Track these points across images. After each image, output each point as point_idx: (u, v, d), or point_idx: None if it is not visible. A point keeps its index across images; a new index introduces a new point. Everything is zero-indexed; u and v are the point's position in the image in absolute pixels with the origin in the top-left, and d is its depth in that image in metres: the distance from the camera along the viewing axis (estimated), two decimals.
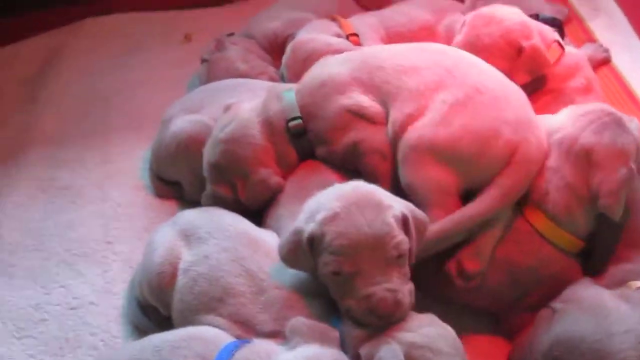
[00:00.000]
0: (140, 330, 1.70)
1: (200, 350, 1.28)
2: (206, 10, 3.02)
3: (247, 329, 1.41)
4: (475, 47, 1.81)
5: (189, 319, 1.50)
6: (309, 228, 1.35)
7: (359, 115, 1.65)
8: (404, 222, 1.37)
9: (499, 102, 1.54)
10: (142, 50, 2.81)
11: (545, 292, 1.46)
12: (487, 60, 1.68)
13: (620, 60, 2.23)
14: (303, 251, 1.36)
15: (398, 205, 1.38)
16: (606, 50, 2.22)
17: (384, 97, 1.63)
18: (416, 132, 1.54)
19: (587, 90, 1.88)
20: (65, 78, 2.69)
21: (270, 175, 1.72)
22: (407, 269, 1.36)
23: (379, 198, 1.37)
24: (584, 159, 1.46)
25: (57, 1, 2.95)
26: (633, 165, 1.43)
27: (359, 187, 1.41)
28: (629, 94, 2.11)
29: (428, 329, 1.28)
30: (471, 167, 1.50)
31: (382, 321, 1.30)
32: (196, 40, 2.79)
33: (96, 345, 1.69)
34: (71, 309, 1.78)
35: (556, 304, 1.38)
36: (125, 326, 1.72)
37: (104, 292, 1.82)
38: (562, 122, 1.55)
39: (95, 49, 2.85)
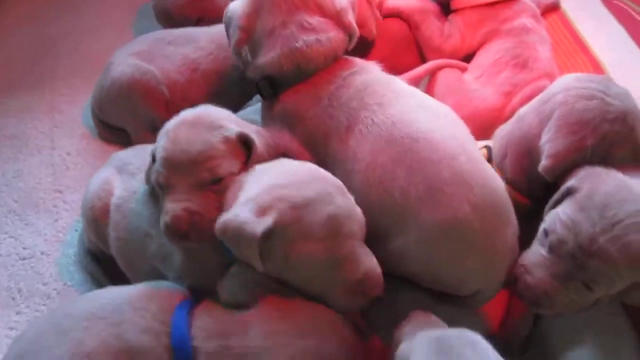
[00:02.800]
0: (93, 278, 1.69)
1: (156, 311, 1.26)
2: None
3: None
4: None
5: (129, 260, 1.52)
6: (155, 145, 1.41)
7: None
8: (242, 141, 1.37)
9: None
10: None
11: None
12: None
13: (569, 8, 2.24)
14: (150, 167, 1.42)
15: (236, 128, 1.37)
16: None
17: None
18: None
19: (532, 31, 1.86)
20: (8, 24, 2.61)
21: None
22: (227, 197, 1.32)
23: (212, 119, 1.37)
24: (548, 113, 1.41)
25: None
26: (590, 141, 1.35)
27: (204, 109, 1.43)
28: (577, 39, 2.13)
29: None
30: None
31: (178, 241, 1.32)
32: None
33: (49, 294, 1.68)
34: (22, 259, 1.77)
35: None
36: (78, 274, 1.71)
37: (55, 241, 1.80)
38: (561, 81, 1.47)
39: None
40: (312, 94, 1.49)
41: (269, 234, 1.17)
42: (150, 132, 1.77)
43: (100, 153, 2.03)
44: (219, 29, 1.83)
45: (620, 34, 2.14)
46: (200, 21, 2.16)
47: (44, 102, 2.24)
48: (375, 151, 1.36)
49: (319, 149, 1.47)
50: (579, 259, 1.22)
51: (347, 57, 1.55)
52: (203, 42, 1.95)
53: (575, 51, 2.09)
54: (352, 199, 1.26)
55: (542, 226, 1.31)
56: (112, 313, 1.24)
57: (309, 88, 1.50)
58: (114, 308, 1.26)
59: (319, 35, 1.49)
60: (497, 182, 1.33)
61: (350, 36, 1.55)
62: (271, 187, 1.23)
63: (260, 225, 1.17)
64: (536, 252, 1.30)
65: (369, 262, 1.24)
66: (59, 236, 1.81)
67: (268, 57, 1.51)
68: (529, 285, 1.28)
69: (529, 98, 1.66)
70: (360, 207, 1.29)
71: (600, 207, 1.22)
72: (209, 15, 2.14)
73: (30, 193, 1.93)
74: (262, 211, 1.19)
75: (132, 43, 2.02)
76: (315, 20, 1.51)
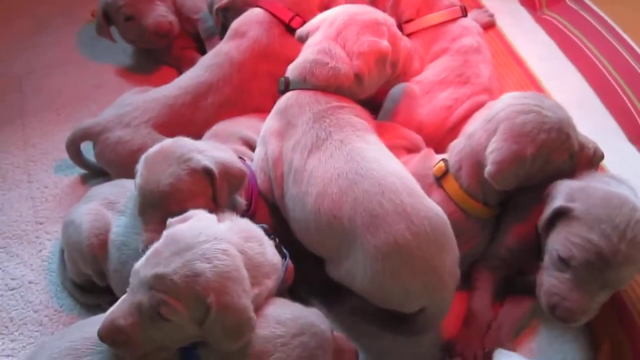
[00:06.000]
0: (81, 304, 1.81)
1: None
2: None
3: None
4: None
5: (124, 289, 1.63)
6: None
7: None
8: (207, 173, 1.52)
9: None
10: (51, 30, 2.80)
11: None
12: None
13: (504, 24, 2.42)
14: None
15: (203, 158, 1.52)
16: (491, 15, 2.42)
17: None
18: None
19: (477, 51, 2.07)
20: None
21: None
22: None
23: (183, 151, 1.52)
24: (494, 129, 1.59)
25: None
26: (530, 150, 1.52)
27: (177, 140, 1.58)
28: (512, 53, 2.31)
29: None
30: None
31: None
32: None
33: (41, 321, 1.78)
34: (11, 289, 1.86)
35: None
36: (67, 300, 1.82)
37: (41, 270, 1.90)
38: (501, 101, 1.65)
39: (1, 30, 2.82)
40: (305, 101, 1.68)
41: None
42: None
43: (77, 183, 2.14)
44: None
45: (550, 47, 2.33)
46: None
47: (17, 138, 2.32)
48: (328, 181, 1.54)
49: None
50: (605, 272, 1.39)
51: (348, 97, 1.72)
52: None
53: (511, 64, 2.27)
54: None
55: (553, 253, 1.47)
56: None
57: (305, 95, 1.69)
58: None
59: (332, 62, 1.69)
60: (437, 214, 1.50)
61: (357, 77, 1.70)
62: None
63: None
64: (561, 278, 1.45)
65: None
66: (44, 265, 1.91)
67: (296, 61, 1.76)
68: (570, 309, 1.43)
69: (469, 111, 1.88)
70: (313, 230, 1.53)
71: (607, 220, 1.40)
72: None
73: (12, 226, 2.03)
74: None
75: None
76: (338, 50, 1.70)
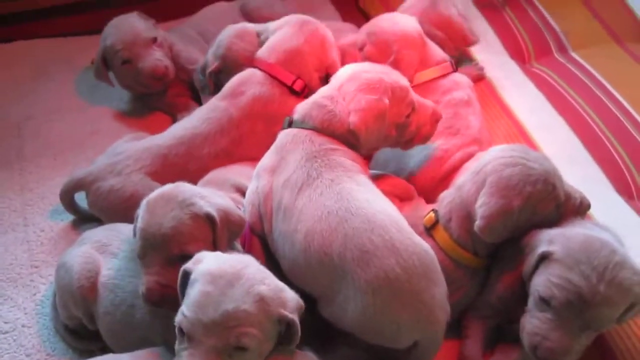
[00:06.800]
0: (73, 348, 1.81)
1: None
2: None
3: None
4: None
5: (117, 333, 1.66)
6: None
7: None
8: (209, 220, 1.55)
9: None
10: (50, 76, 2.84)
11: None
12: None
13: (495, 77, 2.49)
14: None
15: (205, 204, 1.55)
16: (481, 69, 2.49)
17: None
18: None
19: (467, 104, 2.13)
20: None
21: None
22: None
23: (185, 196, 1.56)
24: (482, 182, 1.63)
25: None
26: (516, 202, 1.57)
27: (179, 185, 1.61)
28: (502, 105, 2.38)
29: None
30: None
31: (154, 307, 1.53)
32: None
33: None
34: (4, 333, 1.86)
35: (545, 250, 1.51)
36: (60, 344, 1.82)
37: (35, 314, 1.90)
38: (489, 153, 1.70)
39: (1, 76, 2.86)
40: (300, 140, 1.73)
41: None
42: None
43: (72, 228, 2.16)
44: None
45: (539, 99, 2.39)
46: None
47: (14, 182, 2.35)
48: (318, 219, 1.57)
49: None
50: (585, 312, 1.42)
51: (344, 143, 1.76)
52: None
53: (501, 116, 2.33)
54: None
55: (535, 294, 1.50)
56: None
57: (302, 134, 1.74)
58: None
59: (331, 106, 1.75)
60: (425, 250, 1.54)
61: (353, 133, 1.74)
62: None
63: None
64: (542, 318, 1.48)
65: None
66: (38, 309, 1.92)
67: (302, 102, 1.84)
68: (552, 348, 1.45)
69: (460, 162, 1.93)
70: (303, 266, 1.57)
71: (586, 261, 1.44)
72: None
73: (7, 269, 2.03)
74: None
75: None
76: (339, 100, 1.77)
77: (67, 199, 2.13)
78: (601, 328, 1.47)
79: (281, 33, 2.22)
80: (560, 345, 1.44)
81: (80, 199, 2.15)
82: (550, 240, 1.52)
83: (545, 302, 1.47)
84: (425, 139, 1.88)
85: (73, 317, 1.75)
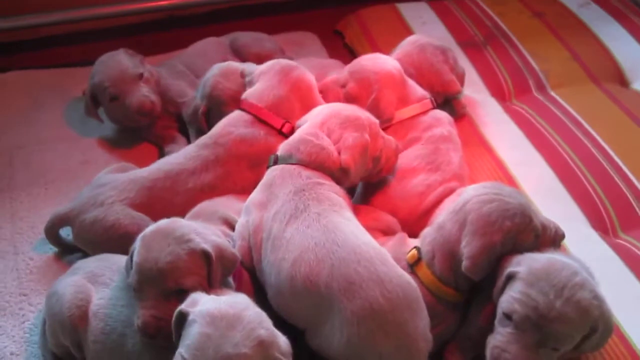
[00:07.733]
0: None
1: None
2: None
3: None
4: None
5: None
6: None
7: None
8: (205, 256, 1.60)
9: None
10: (42, 106, 2.88)
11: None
12: None
13: (475, 114, 2.57)
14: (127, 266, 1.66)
15: (201, 240, 1.60)
16: (463, 107, 2.56)
17: None
18: None
19: (448, 140, 2.20)
20: None
21: None
22: None
23: (183, 232, 1.61)
24: (463, 221, 1.69)
25: None
26: (497, 238, 1.63)
27: (175, 221, 1.67)
28: (482, 141, 2.44)
29: None
30: None
31: (148, 340, 1.56)
32: None
33: None
34: None
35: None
36: None
37: (23, 341, 1.92)
38: (466, 192, 1.76)
39: None
40: (288, 174, 1.81)
41: None
42: None
43: (61, 258, 2.19)
44: None
45: (518, 136, 2.47)
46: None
47: (5, 210, 2.38)
48: (305, 249, 1.63)
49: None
50: (542, 327, 1.48)
51: (329, 176, 1.84)
52: None
53: (482, 152, 2.40)
54: None
55: (499, 311, 1.57)
56: None
57: (289, 169, 1.82)
58: None
59: (317, 141, 1.84)
60: (409, 282, 1.60)
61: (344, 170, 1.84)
62: None
63: None
64: (503, 332, 1.54)
65: None
66: (26, 337, 1.94)
67: (286, 140, 1.93)
68: None
69: (441, 197, 1.99)
70: (289, 296, 1.62)
71: (546, 278, 1.51)
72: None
73: None
74: None
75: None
76: (323, 136, 1.86)
77: (52, 234, 2.17)
78: (559, 346, 1.51)
79: (267, 79, 2.29)
80: (518, 358, 1.50)
81: (67, 230, 2.18)
82: (518, 262, 1.60)
83: (507, 317, 1.54)
84: (391, 169, 2.04)
85: (61, 345, 1.78)
